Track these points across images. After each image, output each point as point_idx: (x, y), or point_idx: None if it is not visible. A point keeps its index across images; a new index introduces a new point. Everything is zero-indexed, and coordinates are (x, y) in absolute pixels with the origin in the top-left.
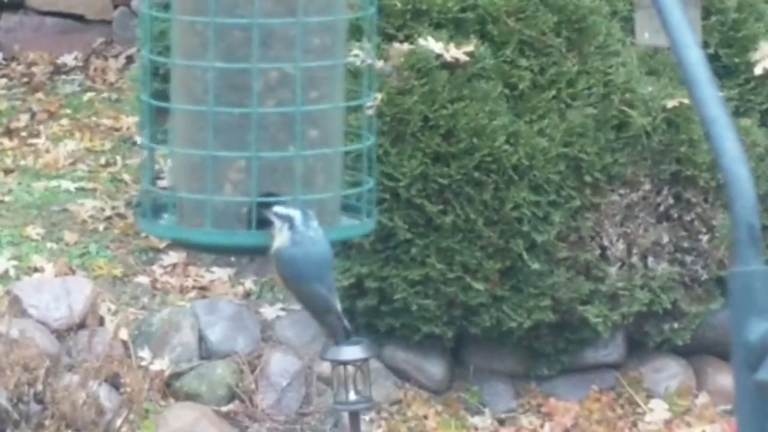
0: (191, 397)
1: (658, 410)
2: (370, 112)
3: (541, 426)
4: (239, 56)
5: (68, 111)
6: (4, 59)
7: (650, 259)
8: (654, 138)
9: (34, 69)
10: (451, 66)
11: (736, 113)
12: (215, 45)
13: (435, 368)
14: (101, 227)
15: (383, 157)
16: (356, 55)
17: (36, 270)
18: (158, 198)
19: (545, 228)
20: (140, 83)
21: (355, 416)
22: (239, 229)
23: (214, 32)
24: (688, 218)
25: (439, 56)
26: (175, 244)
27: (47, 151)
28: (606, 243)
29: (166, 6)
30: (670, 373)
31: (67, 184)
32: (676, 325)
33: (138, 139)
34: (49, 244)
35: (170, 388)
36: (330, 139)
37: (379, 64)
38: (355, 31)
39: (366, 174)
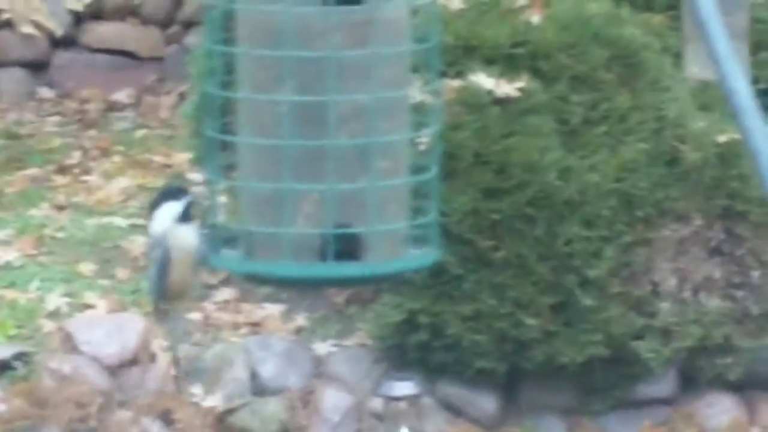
0: None
1: None
2: (427, 145)
3: None
4: (313, 89)
5: (121, 148)
6: (58, 96)
7: (702, 294)
8: (705, 173)
9: (86, 106)
10: (503, 101)
11: None
12: (290, 78)
13: (487, 403)
14: None
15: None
16: (420, 88)
17: (88, 306)
18: (221, 232)
19: (597, 263)
20: (205, 117)
21: None
22: (312, 260)
23: (289, 66)
24: (739, 253)
25: (490, 92)
26: (243, 278)
27: (100, 188)
28: (658, 278)
29: (218, 40)
30: (722, 408)
31: (119, 221)
32: (728, 360)
33: (190, 175)
34: (101, 281)
35: (223, 423)
36: (399, 169)
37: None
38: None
39: (430, 205)
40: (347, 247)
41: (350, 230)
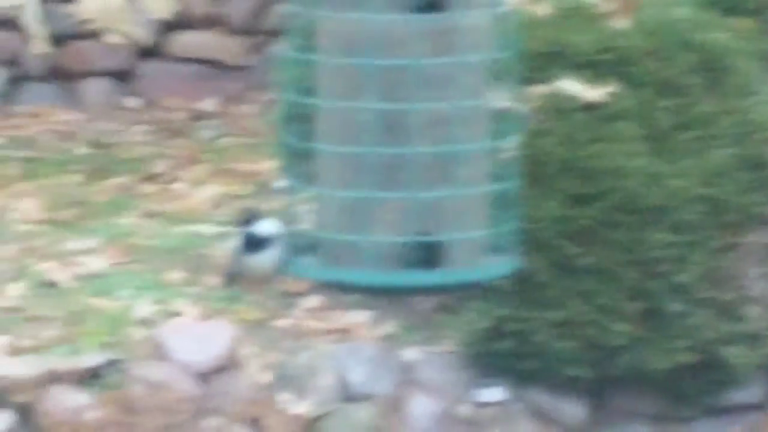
0: None
1: None
2: (507, 154)
3: None
4: (395, 97)
5: (206, 156)
6: (143, 105)
7: None
8: None
9: (172, 115)
10: (590, 107)
11: None
12: (372, 86)
13: (576, 409)
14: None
15: (521, 198)
16: (502, 97)
17: (178, 314)
18: (302, 240)
19: (684, 268)
20: (288, 125)
21: None
22: (393, 268)
23: (370, 74)
24: None
25: (577, 98)
26: (323, 285)
27: (186, 196)
28: (746, 283)
29: (300, 49)
30: None
31: (207, 229)
32: None
33: (277, 183)
34: (190, 289)
35: (312, 430)
36: (479, 178)
37: (518, 106)
38: (493, 75)
39: (510, 214)
40: (427, 255)
41: (431, 238)
